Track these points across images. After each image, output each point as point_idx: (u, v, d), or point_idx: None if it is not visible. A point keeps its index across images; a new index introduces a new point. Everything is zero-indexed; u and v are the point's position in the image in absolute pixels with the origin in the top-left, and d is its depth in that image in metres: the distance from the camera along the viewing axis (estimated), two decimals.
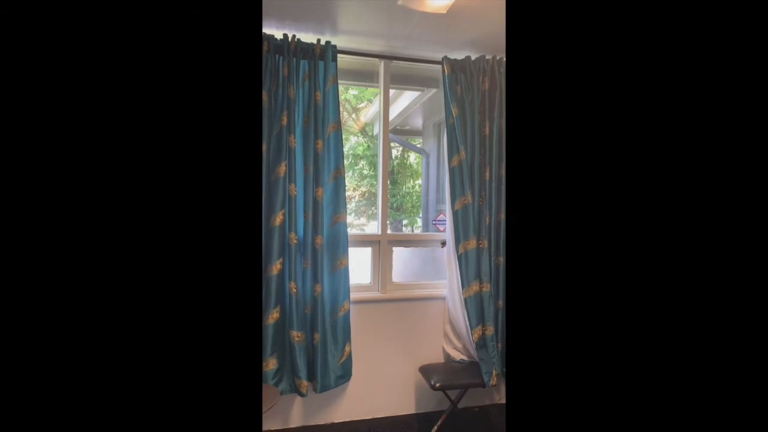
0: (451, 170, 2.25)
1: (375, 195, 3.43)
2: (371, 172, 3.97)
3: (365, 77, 2.49)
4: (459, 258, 2.20)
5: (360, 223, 3.60)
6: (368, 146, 3.92)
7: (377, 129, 3.52)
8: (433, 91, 2.74)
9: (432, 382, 2.06)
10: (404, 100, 3.29)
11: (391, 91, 2.41)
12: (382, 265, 2.33)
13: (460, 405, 2.20)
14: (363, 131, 3.91)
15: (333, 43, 2.09)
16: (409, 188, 3.93)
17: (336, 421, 2.23)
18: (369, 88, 3.55)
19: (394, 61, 2.33)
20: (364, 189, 3.79)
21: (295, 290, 2.03)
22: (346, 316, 2.15)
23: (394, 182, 3.72)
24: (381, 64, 2.33)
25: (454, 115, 2.22)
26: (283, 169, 2.01)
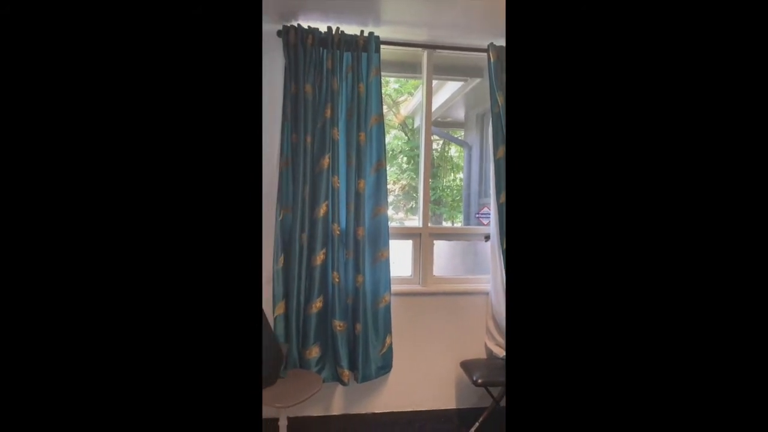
0: (497, 162, 2.18)
1: (414, 189, 3.41)
2: (410, 166, 3.95)
3: (408, 68, 2.46)
4: (504, 252, 2.14)
5: (399, 217, 3.59)
6: (407, 140, 3.90)
7: (417, 122, 3.49)
8: (477, 80, 2.66)
9: (474, 378, 2.02)
10: (446, 91, 3.23)
11: (433, 83, 2.37)
12: (423, 258, 2.31)
13: (502, 403, 2.15)
14: (403, 125, 3.89)
15: (376, 34, 2.09)
16: (449, 182, 3.87)
17: (376, 411, 2.25)
18: (410, 81, 3.53)
19: (438, 51, 2.29)
20: (403, 183, 3.77)
21: (337, 280, 2.06)
22: (387, 308, 2.15)
23: (434, 176, 3.67)
24: (424, 54, 2.29)
25: (500, 105, 2.14)
26: (326, 161, 2.04)
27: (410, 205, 3.62)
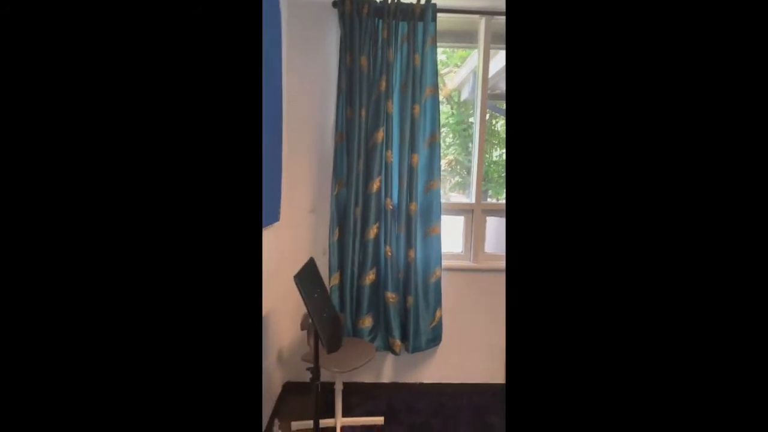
0: None
1: (460, 164, 3.33)
2: (456, 141, 3.86)
3: (463, 38, 2.37)
4: None
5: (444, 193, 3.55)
6: (452, 113, 3.79)
7: (464, 95, 3.37)
8: None
9: None
10: (496, 63, 3.08)
11: (481, 54, 2.27)
12: (474, 234, 2.29)
13: None
14: (448, 98, 3.78)
15: (433, 1, 2.01)
16: (496, 157, 3.76)
17: (425, 382, 2.32)
18: (456, 52, 3.39)
19: (495, 18, 2.18)
20: (450, 158, 3.71)
21: (390, 254, 2.10)
22: (438, 283, 2.17)
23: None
24: (482, 22, 2.19)
25: None
26: (381, 135, 2.03)
27: (455, 180, 3.56)
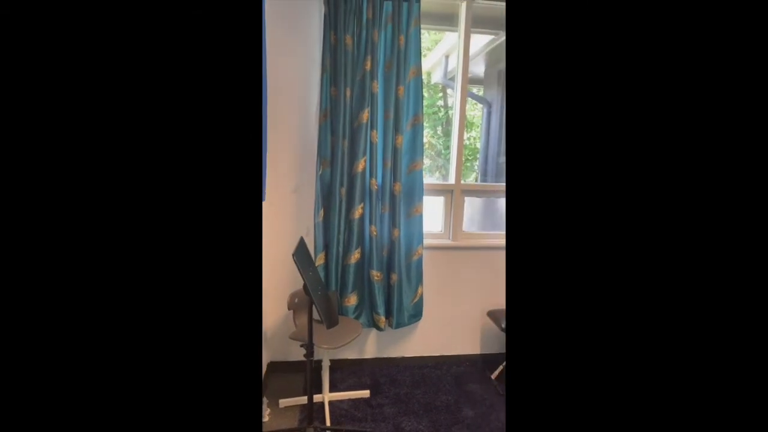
0: None
1: (433, 146, 3.40)
2: (428, 124, 3.92)
3: (444, 20, 2.39)
4: None
5: None
6: (424, 96, 3.83)
7: (436, 78, 3.42)
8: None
9: (503, 326, 2.16)
10: (471, 47, 3.15)
11: (454, 37, 2.31)
12: (454, 213, 2.38)
13: None
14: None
15: None
16: (466, 140, 3.86)
17: (407, 356, 2.41)
18: (430, 36, 3.42)
19: (476, 2, 2.22)
20: (424, 140, 3.77)
21: (375, 233, 2.13)
22: (419, 261, 2.24)
23: (446, 133, 3.66)
24: (462, 5, 2.23)
25: None
26: (366, 115, 2.04)
27: (427, 163, 3.63)
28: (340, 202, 2.08)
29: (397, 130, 2.10)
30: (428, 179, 2.58)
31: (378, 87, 2.05)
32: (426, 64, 3.91)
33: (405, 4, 2.02)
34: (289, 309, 1.96)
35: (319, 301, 1.43)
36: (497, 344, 2.47)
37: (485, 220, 2.84)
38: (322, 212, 2.09)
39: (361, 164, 2.07)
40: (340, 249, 2.12)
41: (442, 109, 3.87)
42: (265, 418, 1.89)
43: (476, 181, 3.22)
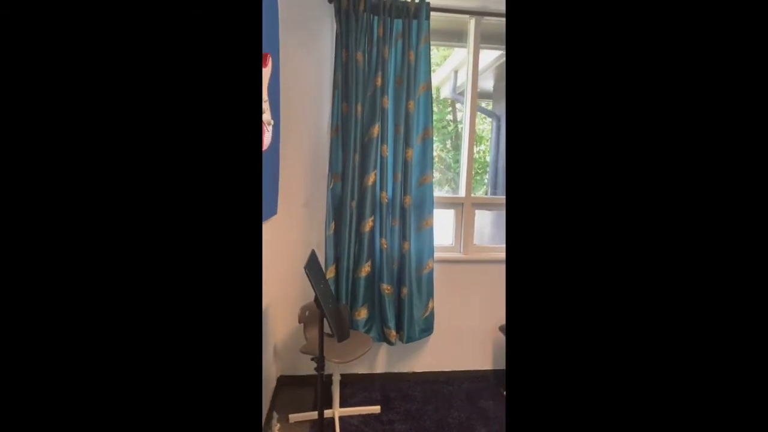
0: None
1: (443, 160, 3.42)
2: (438, 138, 3.95)
3: (453, 37, 2.44)
4: None
5: None
6: (433, 111, 3.88)
7: (445, 93, 3.46)
8: None
9: None
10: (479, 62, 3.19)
11: (463, 52, 2.35)
12: (464, 227, 2.38)
13: None
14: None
15: (427, 0, 2.06)
16: (475, 154, 3.88)
17: (417, 371, 2.38)
18: (440, 51, 3.48)
19: (485, 19, 2.27)
20: (434, 154, 3.79)
21: (385, 246, 2.14)
22: (430, 274, 2.23)
23: (456, 147, 3.68)
24: (471, 22, 2.27)
25: None
26: (376, 130, 2.07)
27: (437, 176, 3.65)
28: (351, 215, 2.10)
29: (407, 144, 2.13)
30: (438, 192, 2.59)
31: (388, 102, 2.09)
32: (435, 79, 3.97)
33: (415, 22, 2.07)
34: (300, 322, 1.96)
35: (331, 314, 1.43)
36: None
37: (496, 233, 2.83)
38: (333, 225, 2.11)
39: (372, 178, 2.09)
40: (351, 262, 2.13)
41: (451, 123, 3.91)
42: None
43: (486, 194, 3.22)
